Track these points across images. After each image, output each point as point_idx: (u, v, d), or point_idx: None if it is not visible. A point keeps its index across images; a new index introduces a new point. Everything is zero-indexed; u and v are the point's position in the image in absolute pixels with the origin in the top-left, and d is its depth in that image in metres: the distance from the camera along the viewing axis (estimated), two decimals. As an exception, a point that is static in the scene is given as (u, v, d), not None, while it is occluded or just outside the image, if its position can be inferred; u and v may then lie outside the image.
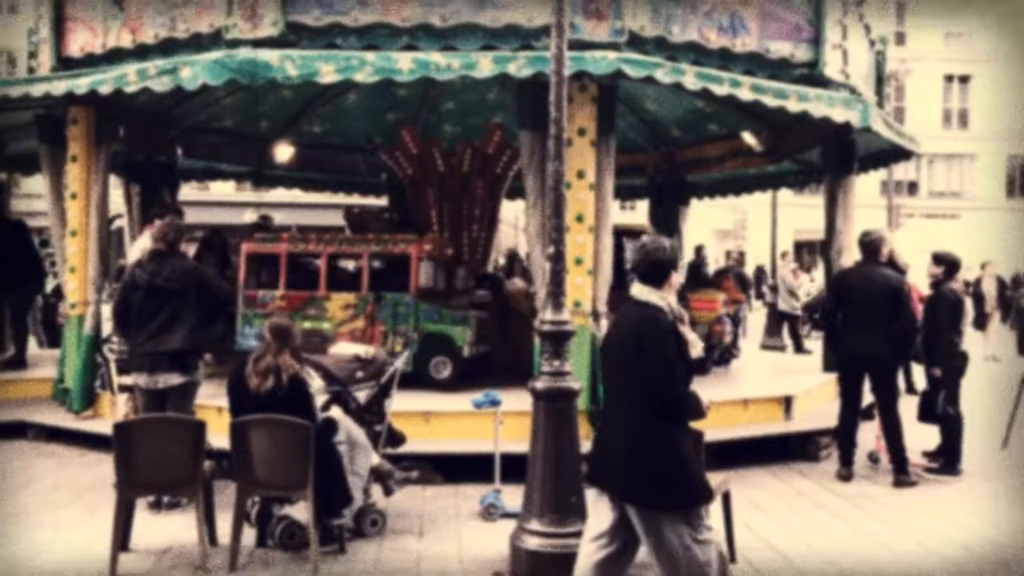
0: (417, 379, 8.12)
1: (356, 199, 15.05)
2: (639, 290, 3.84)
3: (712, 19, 7.39)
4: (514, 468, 5.69)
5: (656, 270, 3.83)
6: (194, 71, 6.59)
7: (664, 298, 3.79)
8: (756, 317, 18.76)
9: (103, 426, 7.16)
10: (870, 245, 7.19)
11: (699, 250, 14.54)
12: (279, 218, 26.91)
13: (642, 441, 3.67)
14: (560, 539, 4.62)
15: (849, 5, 8.60)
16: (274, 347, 5.11)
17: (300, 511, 5.14)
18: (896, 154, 10.35)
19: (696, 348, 3.83)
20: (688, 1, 7.26)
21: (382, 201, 14.13)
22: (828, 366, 9.23)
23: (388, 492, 5.74)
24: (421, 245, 8.61)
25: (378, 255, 8.66)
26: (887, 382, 7.15)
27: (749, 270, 27.40)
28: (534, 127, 6.89)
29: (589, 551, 3.84)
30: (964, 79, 34.81)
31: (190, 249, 8.55)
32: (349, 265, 9.51)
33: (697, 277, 11.45)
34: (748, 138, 10.71)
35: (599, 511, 3.84)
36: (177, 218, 7.03)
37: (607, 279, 7.35)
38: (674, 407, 3.67)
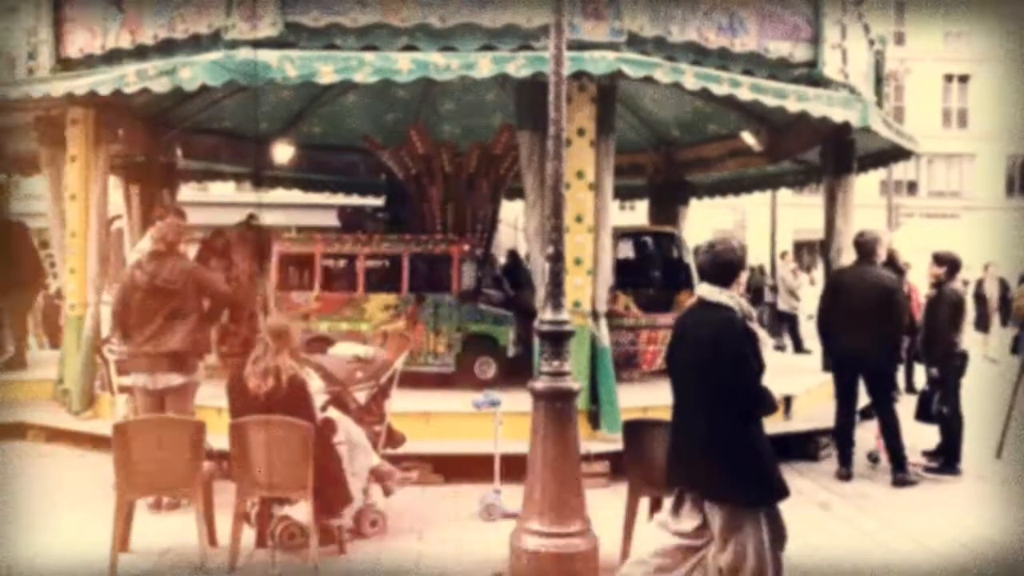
0: (462, 379, 8.11)
1: (355, 200, 15.03)
2: (708, 290, 3.89)
3: (711, 19, 7.38)
4: (514, 468, 5.69)
5: (725, 270, 3.89)
6: (193, 72, 6.59)
7: (734, 297, 3.86)
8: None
9: (103, 427, 7.15)
10: (865, 246, 7.21)
11: (696, 249, 14.52)
12: (278, 219, 26.94)
13: (721, 439, 3.75)
14: (560, 539, 4.61)
15: (848, 5, 8.59)
16: (273, 348, 5.10)
17: (300, 511, 5.14)
18: (895, 154, 10.34)
19: (767, 345, 3.95)
20: (687, 1, 7.26)
21: (380, 202, 14.09)
22: (827, 366, 9.22)
23: (388, 492, 5.74)
24: (462, 246, 8.62)
25: (419, 256, 8.64)
26: (882, 382, 7.16)
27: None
28: (533, 127, 6.90)
29: (662, 536, 3.94)
30: (964, 79, 34.78)
31: (190, 250, 8.54)
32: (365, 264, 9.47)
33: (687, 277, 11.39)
34: (747, 138, 10.70)
35: (684, 509, 3.91)
36: (179, 220, 7.02)
37: (607, 279, 7.35)
38: (754, 403, 3.76)
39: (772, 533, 3.75)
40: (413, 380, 7.97)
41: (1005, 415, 7.87)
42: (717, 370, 3.74)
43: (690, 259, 10.78)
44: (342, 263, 9.23)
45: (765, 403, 3.78)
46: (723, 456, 3.74)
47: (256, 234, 10.35)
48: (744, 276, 3.98)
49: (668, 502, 4.02)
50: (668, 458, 4.05)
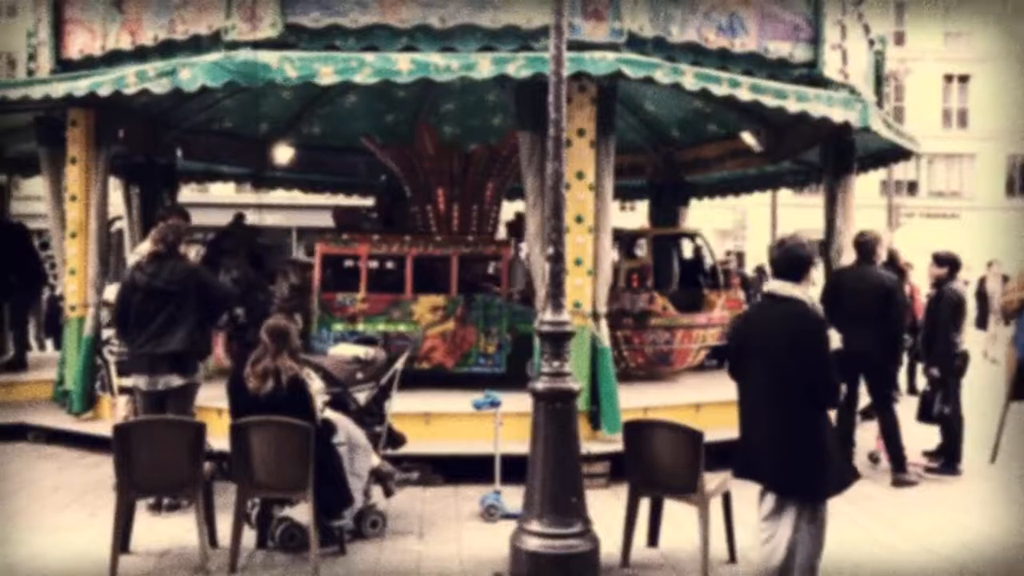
0: (512, 380, 8.12)
1: (356, 200, 15.05)
2: (779, 286, 4.02)
3: (711, 19, 7.38)
4: (514, 469, 5.70)
5: (796, 265, 4.04)
6: (193, 73, 6.59)
7: (805, 292, 4.00)
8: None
9: (103, 428, 7.16)
10: (865, 246, 7.22)
11: (698, 251, 14.52)
12: (279, 220, 26.96)
13: (792, 431, 3.87)
14: (560, 540, 4.62)
15: (848, 5, 8.59)
16: (272, 349, 5.10)
17: (300, 512, 5.15)
18: (896, 154, 10.34)
19: (835, 340, 4.08)
20: (687, 1, 7.26)
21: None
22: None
23: (388, 493, 5.74)
24: (510, 247, 8.64)
25: (468, 256, 8.63)
26: (882, 382, 7.15)
27: (747, 270, 27.44)
28: (533, 128, 6.89)
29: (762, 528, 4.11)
30: (964, 79, 34.76)
31: (191, 251, 8.53)
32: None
33: (714, 277, 11.50)
34: (747, 138, 10.70)
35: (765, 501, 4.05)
36: (182, 221, 7.04)
37: (607, 280, 7.35)
38: (829, 395, 3.93)
39: (811, 534, 3.88)
40: (463, 382, 7.95)
41: (999, 420, 7.75)
42: (792, 363, 3.86)
43: (715, 260, 10.93)
44: (379, 263, 9.19)
45: (838, 393, 3.97)
46: (789, 447, 3.86)
47: (248, 234, 10.34)
48: (813, 273, 4.11)
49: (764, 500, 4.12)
50: (737, 451, 4.16)
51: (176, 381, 5.93)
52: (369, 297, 8.48)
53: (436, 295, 8.46)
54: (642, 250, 11.20)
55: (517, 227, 10.45)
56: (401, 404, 6.24)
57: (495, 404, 5.90)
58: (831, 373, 3.89)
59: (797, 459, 3.85)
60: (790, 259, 4.03)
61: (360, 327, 8.34)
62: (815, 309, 3.99)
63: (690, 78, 6.73)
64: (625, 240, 11.41)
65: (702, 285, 10.92)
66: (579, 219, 7.02)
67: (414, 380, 8.00)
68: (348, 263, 9.28)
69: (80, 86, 7.26)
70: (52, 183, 8.81)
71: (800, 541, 3.85)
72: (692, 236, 11.46)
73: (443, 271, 8.61)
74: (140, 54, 7.51)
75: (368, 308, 8.44)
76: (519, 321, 8.33)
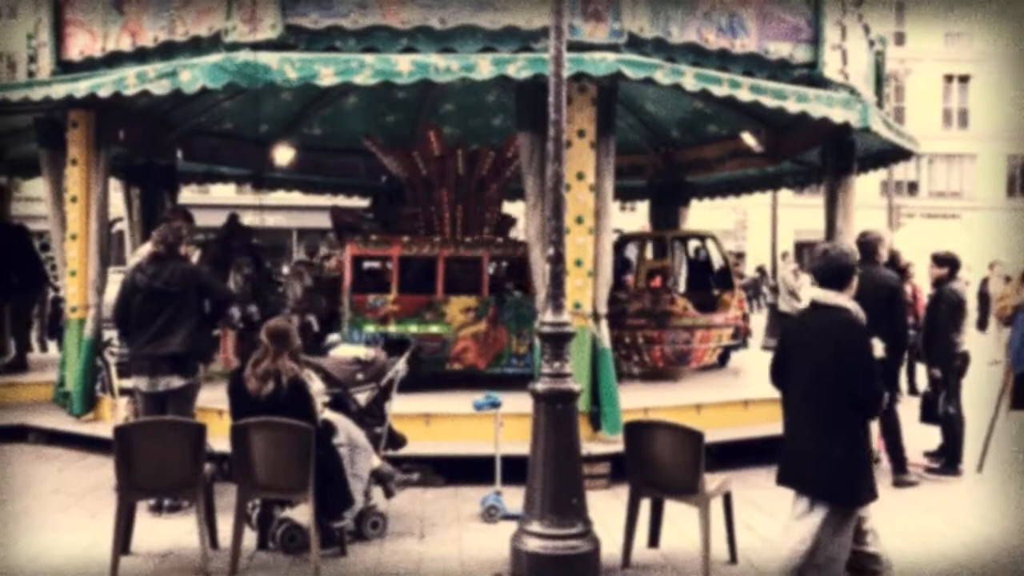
0: None
1: (356, 202, 15.06)
2: (823, 294, 4.06)
3: (711, 20, 7.38)
4: (515, 470, 5.70)
5: (840, 274, 4.07)
6: (193, 74, 6.59)
7: (849, 300, 4.03)
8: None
9: (104, 429, 7.16)
10: (867, 246, 7.19)
11: (698, 252, 14.53)
12: (279, 221, 26.96)
13: (835, 438, 3.90)
14: (561, 541, 4.62)
15: (848, 5, 8.58)
16: (272, 351, 5.10)
17: (301, 514, 5.15)
18: (896, 154, 10.33)
19: (878, 348, 4.23)
20: (687, 2, 7.26)
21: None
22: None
23: (389, 494, 5.74)
24: None
25: (499, 257, 8.60)
26: (884, 382, 7.13)
27: (748, 271, 27.57)
28: (533, 129, 6.89)
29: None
30: (964, 79, 34.80)
31: (192, 252, 8.51)
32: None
33: (726, 278, 11.55)
34: (747, 139, 10.70)
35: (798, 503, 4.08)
36: (187, 223, 7.01)
37: (607, 280, 7.35)
38: (875, 403, 3.95)
39: (837, 539, 3.90)
40: (495, 382, 7.95)
41: (988, 428, 7.59)
42: (836, 371, 3.88)
43: (727, 261, 10.94)
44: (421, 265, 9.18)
45: (881, 403, 3.97)
46: (830, 453, 3.88)
47: (246, 233, 10.33)
48: (855, 282, 4.12)
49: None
50: (780, 458, 4.18)
51: (177, 382, 5.93)
52: (400, 298, 8.43)
53: (468, 296, 8.45)
54: (645, 253, 11.24)
55: (504, 229, 10.46)
56: (401, 405, 6.24)
57: (495, 405, 5.90)
58: (876, 382, 3.91)
59: (837, 465, 3.88)
60: (833, 268, 4.07)
61: (391, 328, 8.33)
62: (859, 317, 4.00)
63: (690, 79, 6.72)
64: (643, 243, 11.48)
65: (710, 286, 10.96)
66: (579, 220, 7.02)
67: (445, 381, 8.03)
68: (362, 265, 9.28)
69: (80, 87, 7.26)
70: (53, 184, 8.81)
71: (824, 542, 3.87)
72: (703, 238, 11.49)
73: (457, 272, 8.59)
74: (140, 55, 7.50)
75: (399, 309, 8.40)
76: None
